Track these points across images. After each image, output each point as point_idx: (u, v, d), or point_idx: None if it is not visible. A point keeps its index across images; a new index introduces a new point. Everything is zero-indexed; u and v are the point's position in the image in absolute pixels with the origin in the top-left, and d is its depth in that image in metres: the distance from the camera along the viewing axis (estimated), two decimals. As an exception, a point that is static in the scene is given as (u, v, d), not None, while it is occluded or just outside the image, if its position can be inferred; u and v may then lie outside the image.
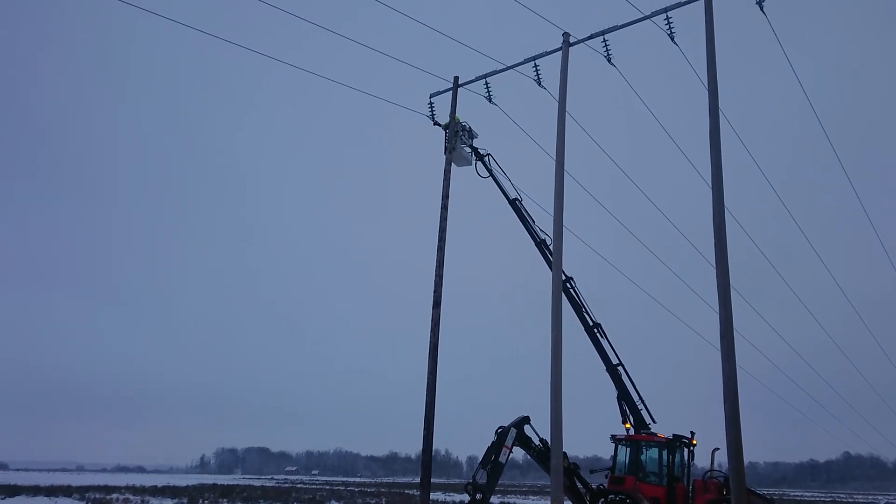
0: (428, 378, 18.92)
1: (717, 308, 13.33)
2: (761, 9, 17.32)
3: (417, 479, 20.01)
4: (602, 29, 19.21)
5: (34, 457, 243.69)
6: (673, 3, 18.01)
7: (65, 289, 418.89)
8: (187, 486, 70.33)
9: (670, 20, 18.11)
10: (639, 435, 23.33)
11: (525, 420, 21.81)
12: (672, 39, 18.22)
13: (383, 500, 53.47)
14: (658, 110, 21.40)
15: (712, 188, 14.28)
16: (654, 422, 24.17)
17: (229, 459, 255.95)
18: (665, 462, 22.38)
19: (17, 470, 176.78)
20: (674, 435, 22.79)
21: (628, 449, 23.00)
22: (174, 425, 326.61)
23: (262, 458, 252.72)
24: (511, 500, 58.47)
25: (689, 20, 17.43)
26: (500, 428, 21.20)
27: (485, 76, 21.77)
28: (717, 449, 22.04)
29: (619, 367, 24.16)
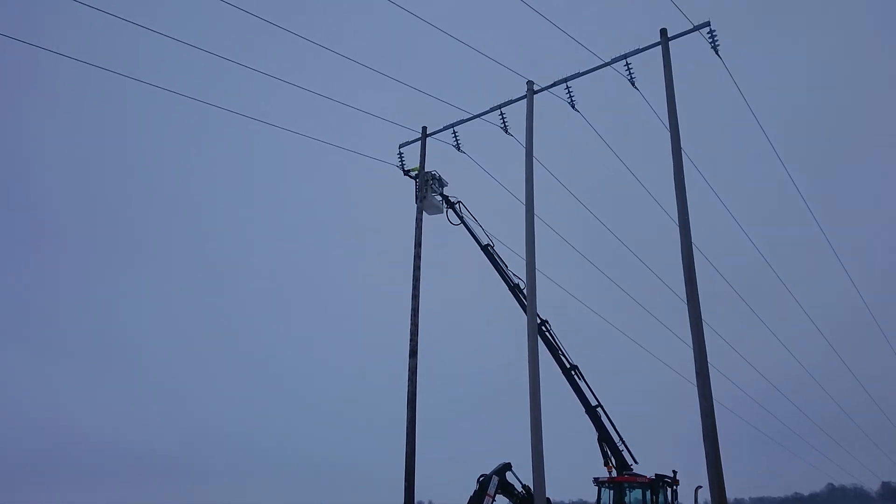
0: (407, 428, 18.71)
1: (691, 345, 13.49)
2: (716, 52, 17.97)
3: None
4: (564, 76, 19.74)
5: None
6: (632, 50, 18.62)
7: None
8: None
9: (630, 66, 18.70)
10: (621, 476, 23.19)
11: (507, 467, 21.62)
12: (633, 84, 18.77)
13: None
14: (624, 152, 21.88)
15: (679, 228, 14.58)
16: (635, 462, 24.07)
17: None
18: (649, 502, 22.21)
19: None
20: (656, 475, 22.70)
21: (612, 491, 22.81)
22: (137, 492, 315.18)
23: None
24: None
25: (651, 63, 17.99)
26: (481, 476, 20.99)
27: (452, 125, 22.15)
28: (700, 487, 21.95)
29: (599, 409, 24.11)
